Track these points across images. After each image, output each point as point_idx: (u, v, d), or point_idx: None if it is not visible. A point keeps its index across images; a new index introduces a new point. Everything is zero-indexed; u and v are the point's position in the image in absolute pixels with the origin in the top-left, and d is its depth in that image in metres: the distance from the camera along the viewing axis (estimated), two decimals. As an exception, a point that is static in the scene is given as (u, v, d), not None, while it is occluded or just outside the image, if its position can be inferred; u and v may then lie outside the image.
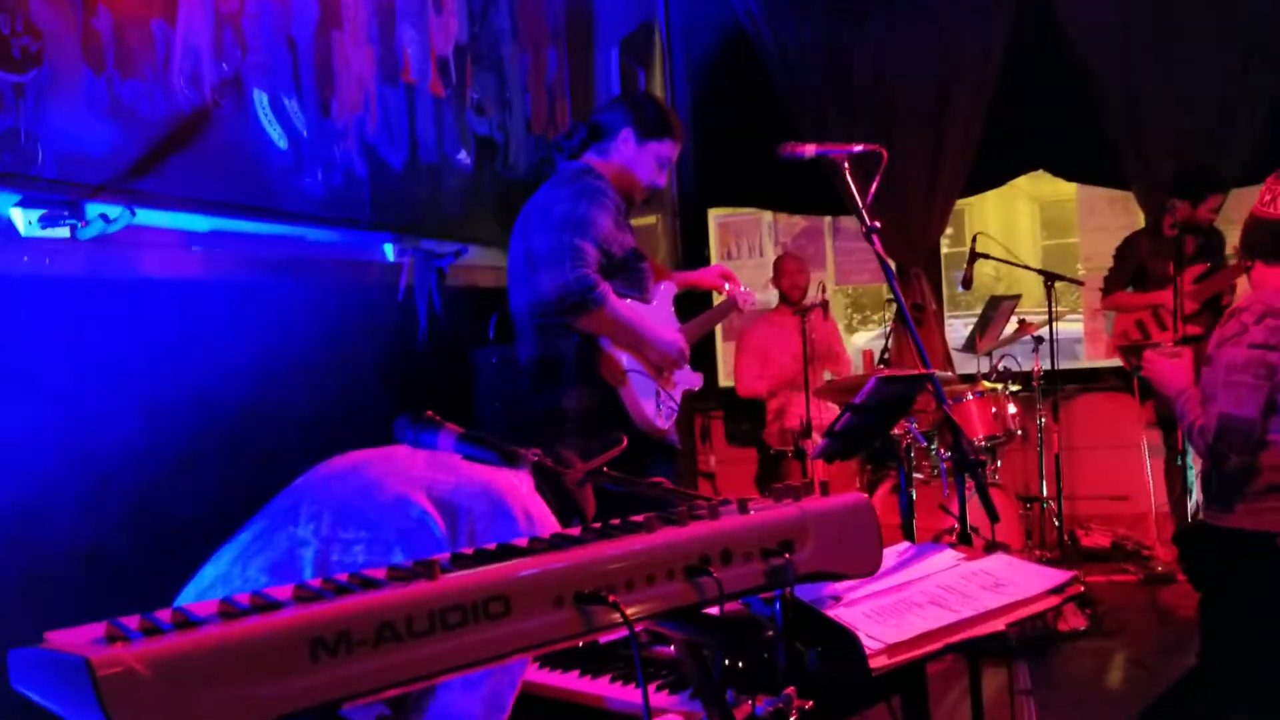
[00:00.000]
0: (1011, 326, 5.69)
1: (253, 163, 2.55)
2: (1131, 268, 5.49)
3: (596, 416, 3.06)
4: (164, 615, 1.02)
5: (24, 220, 2.12)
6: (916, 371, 2.62)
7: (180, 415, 2.35)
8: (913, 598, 1.92)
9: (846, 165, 2.93)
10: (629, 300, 3.12)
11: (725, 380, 7.02)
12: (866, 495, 1.48)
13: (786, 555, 1.35)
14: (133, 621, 1.00)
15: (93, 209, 2.18)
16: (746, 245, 7.10)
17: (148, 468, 2.27)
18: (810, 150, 2.98)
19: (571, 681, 1.90)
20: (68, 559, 2.16)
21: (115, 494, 2.22)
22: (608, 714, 1.83)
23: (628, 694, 1.83)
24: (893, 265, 2.92)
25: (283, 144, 2.64)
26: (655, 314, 3.24)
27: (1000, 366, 5.54)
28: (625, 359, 3.06)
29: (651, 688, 1.81)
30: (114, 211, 2.16)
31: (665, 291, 3.38)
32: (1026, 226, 15.14)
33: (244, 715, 0.95)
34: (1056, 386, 5.63)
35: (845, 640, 1.72)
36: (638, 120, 3.22)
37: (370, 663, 1.03)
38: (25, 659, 0.97)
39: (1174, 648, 4.46)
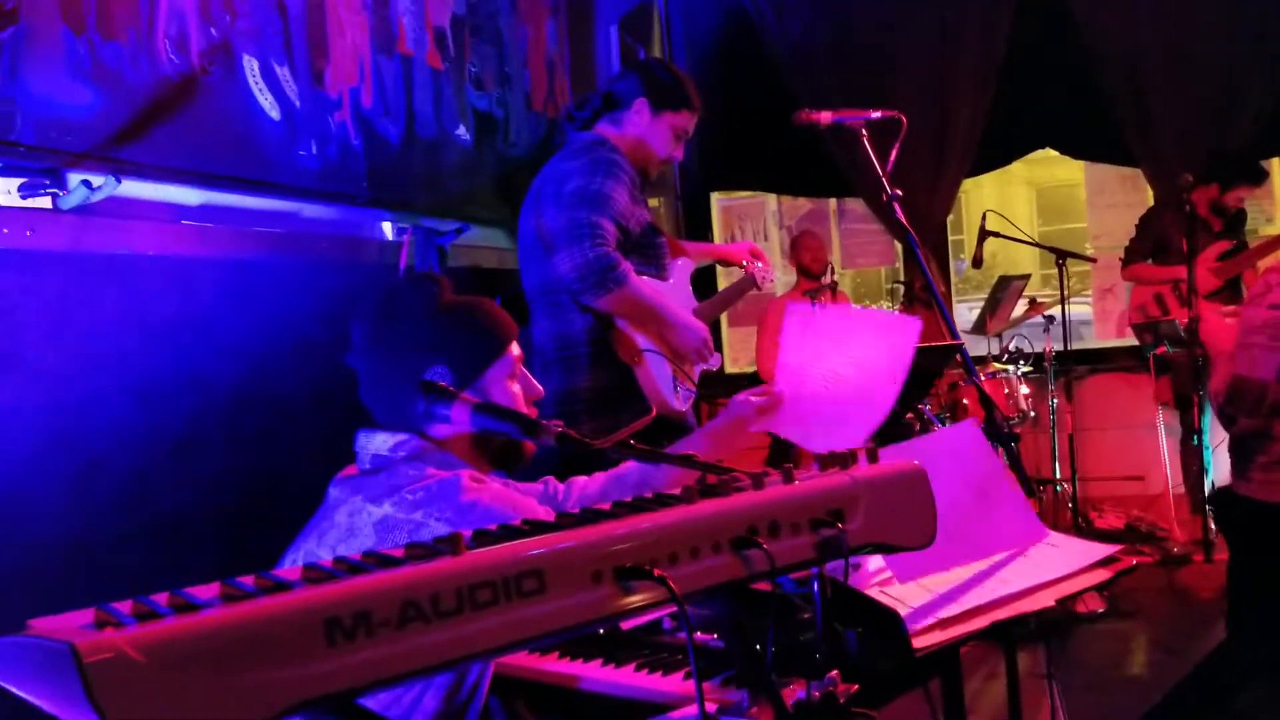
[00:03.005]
0: (1021, 307, 5.61)
1: (244, 133, 2.42)
2: (1153, 239, 5.41)
3: (610, 397, 2.95)
4: (160, 599, 0.91)
5: (2, 189, 2.00)
6: (946, 343, 2.52)
7: (172, 397, 2.24)
8: (957, 572, 1.83)
9: (864, 133, 2.84)
10: (646, 278, 3.00)
11: (730, 367, 6.93)
12: (918, 463, 1.37)
13: (839, 525, 1.24)
14: (125, 606, 0.89)
15: (74, 177, 2.06)
16: (751, 229, 7.02)
17: (139, 452, 2.16)
18: (827, 117, 2.88)
19: (594, 671, 1.80)
20: (55, 549, 2.04)
21: (105, 480, 2.11)
22: (634, 704, 1.73)
23: (654, 682, 1.73)
24: (915, 235, 2.81)
25: (275, 114, 2.52)
26: (673, 293, 3.12)
27: (1011, 347, 5.46)
28: (641, 338, 2.95)
29: (679, 675, 1.71)
30: (98, 179, 2.04)
31: (682, 269, 3.26)
32: (1023, 212, 15.09)
33: (253, 704, 0.83)
34: (1068, 367, 5.54)
35: (887, 620, 1.62)
36: (652, 90, 3.09)
37: (393, 646, 0.91)
38: (4, 648, 0.86)
39: (1193, 629, 4.40)
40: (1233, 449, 2.95)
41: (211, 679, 0.83)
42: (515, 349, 1.88)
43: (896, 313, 3.23)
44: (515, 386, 1.88)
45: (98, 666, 0.78)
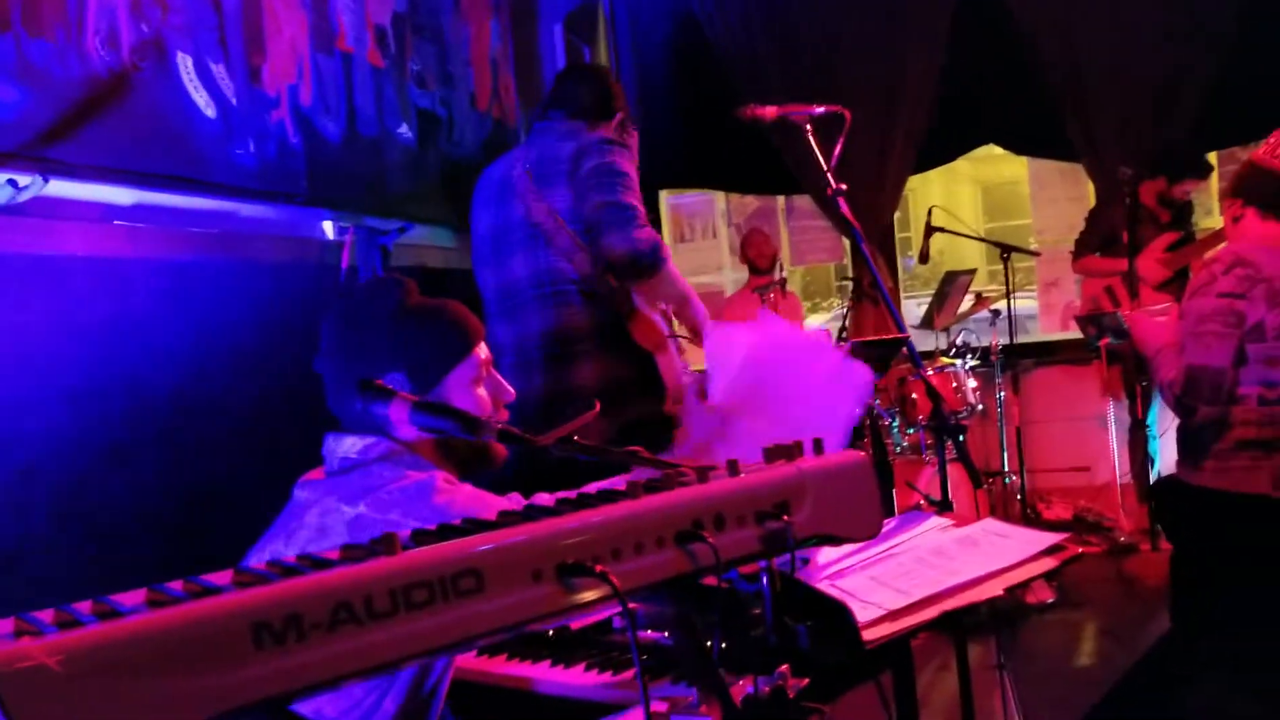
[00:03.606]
0: (968, 302, 5.67)
1: (178, 131, 2.37)
2: (1102, 232, 5.48)
3: (625, 388, 2.87)
4: (84, 606, 0.88)
5: (-76, 190, 1.94)
6: (892, 336, 2.52)
7: (108, 402, 2.18)
8: (906, 564, 1.83)
9: (809, 127, 2.85)
10: None
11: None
12: (864, 453, 1.37)
13: (784, 517, 1.23)
14: (47, 615, 0.86)
15: (-1, 177, 2.00)
16: (700, 227, 7.02)
17: (74, 459, 2.10)
18: (772, 112, 2.89)
19: (544, 672, 1.78)
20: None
21: (40, 488, 2.05)
22: (585, 705, 1.71)
23: (604, 681, 1.71)
24: (861, 229, 2.82)
25: (210, 112, 2.46)
26: None
27: (958, 341, 5.51)
28: (663, 323, 2.89)
29: (628, 675, 1.70)
30: (24, 179, 1.99)
31: None
32: (969, 209, 15.26)
33: (177, 711, 0.80)
34: (1015, 360, 5.60)
35: (837, 613, 1.62)
36: (626, 109, 3.15)
37: (325, 649, 0.89)
38: (-82, 660, 0.82)
39: (1141, 617, 4.45)
40: (1185, 439, 2.97)
41: (135, 687, 0.80)
42: (481, 352, 1.86)
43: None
44: (481, 390, 1.86)
45: (10, 677, 0.75)
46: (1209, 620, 2.93)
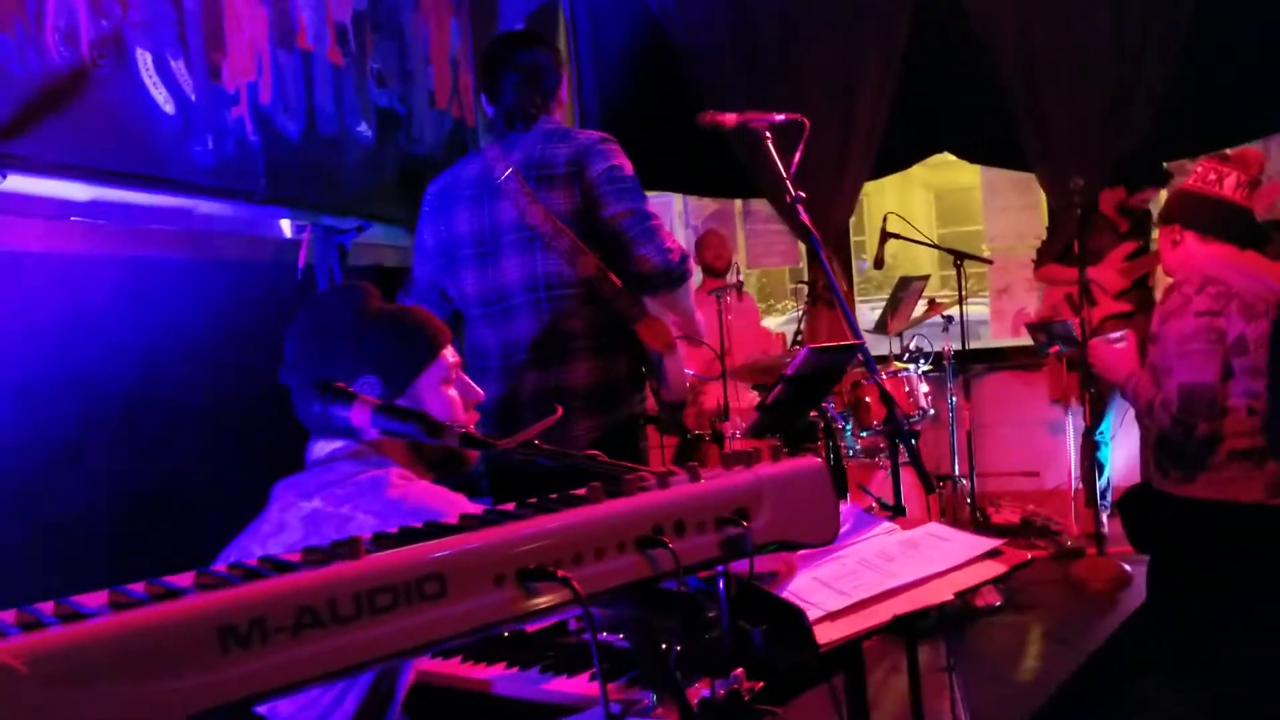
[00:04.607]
0: (921, 307, 5.73)
1: (136, 127, 2.34)
2: (1065, 240, 5.55)
3: (618, 388, 2.84)
4: (46, 607, 0.87)
5: (-124, 184, 1.90)
6: (848, 342, 2.56)
7: (61, 401, 2.15)
8: (849, 565, 1.86)
9: (768, 135, 2.87)
10: None
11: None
12: (820, 459, 1.39)
13: (744, 523, 1.25)
14: (9, 616, 0.86)
15: (-45, 172, 1.97)
16: (656, 229, 7.04)
17: (26, 458, 2.07)
18: (731, 119, 2.91)
19: (499, 674, 1.78)
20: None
21: (-10, 486, 2.03)
22: (539, 706, 1.72)
23: (559, 684, 1.72)
24: (819, 236, 2.84)
25: (169, 108, 2.44)
26: None
27: (912, 346, 5.57)
28: (673, 325, 2.87)
29: (584, 677, 1.71)
30: (-20, 175, 1.97)
31: None
32: (923, 215, 15.41)
33: (145, 715, 0.81)
34: (967, 365, 5.67)
35: (791, 617, 1.64)
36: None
37: (290, 653, 0.89)
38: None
39: (1086, 620, 4.53)
40: (1172, 453, 3.01)
41: (101, 690, 0.80)
42: (449, 354, 1.88)
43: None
44: (451, 391, 1.87)
45: (-24, 678, 0.75)
46: (1192, 626, 2.98)
